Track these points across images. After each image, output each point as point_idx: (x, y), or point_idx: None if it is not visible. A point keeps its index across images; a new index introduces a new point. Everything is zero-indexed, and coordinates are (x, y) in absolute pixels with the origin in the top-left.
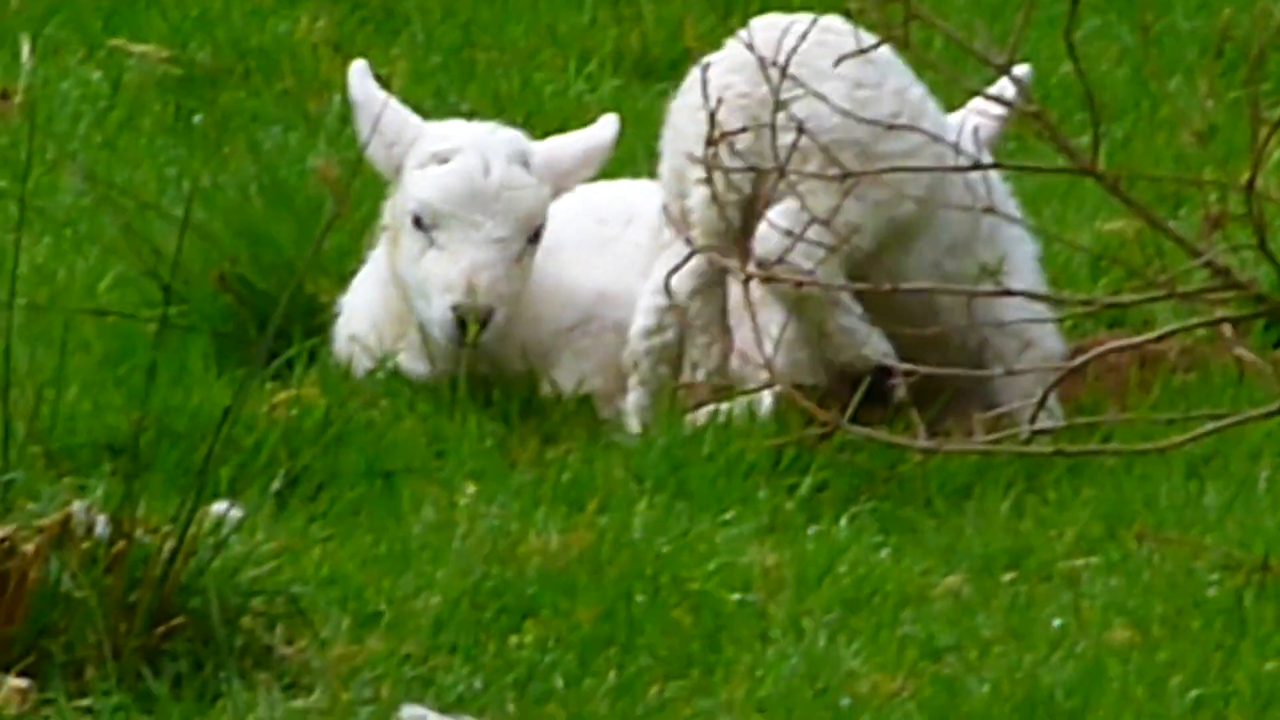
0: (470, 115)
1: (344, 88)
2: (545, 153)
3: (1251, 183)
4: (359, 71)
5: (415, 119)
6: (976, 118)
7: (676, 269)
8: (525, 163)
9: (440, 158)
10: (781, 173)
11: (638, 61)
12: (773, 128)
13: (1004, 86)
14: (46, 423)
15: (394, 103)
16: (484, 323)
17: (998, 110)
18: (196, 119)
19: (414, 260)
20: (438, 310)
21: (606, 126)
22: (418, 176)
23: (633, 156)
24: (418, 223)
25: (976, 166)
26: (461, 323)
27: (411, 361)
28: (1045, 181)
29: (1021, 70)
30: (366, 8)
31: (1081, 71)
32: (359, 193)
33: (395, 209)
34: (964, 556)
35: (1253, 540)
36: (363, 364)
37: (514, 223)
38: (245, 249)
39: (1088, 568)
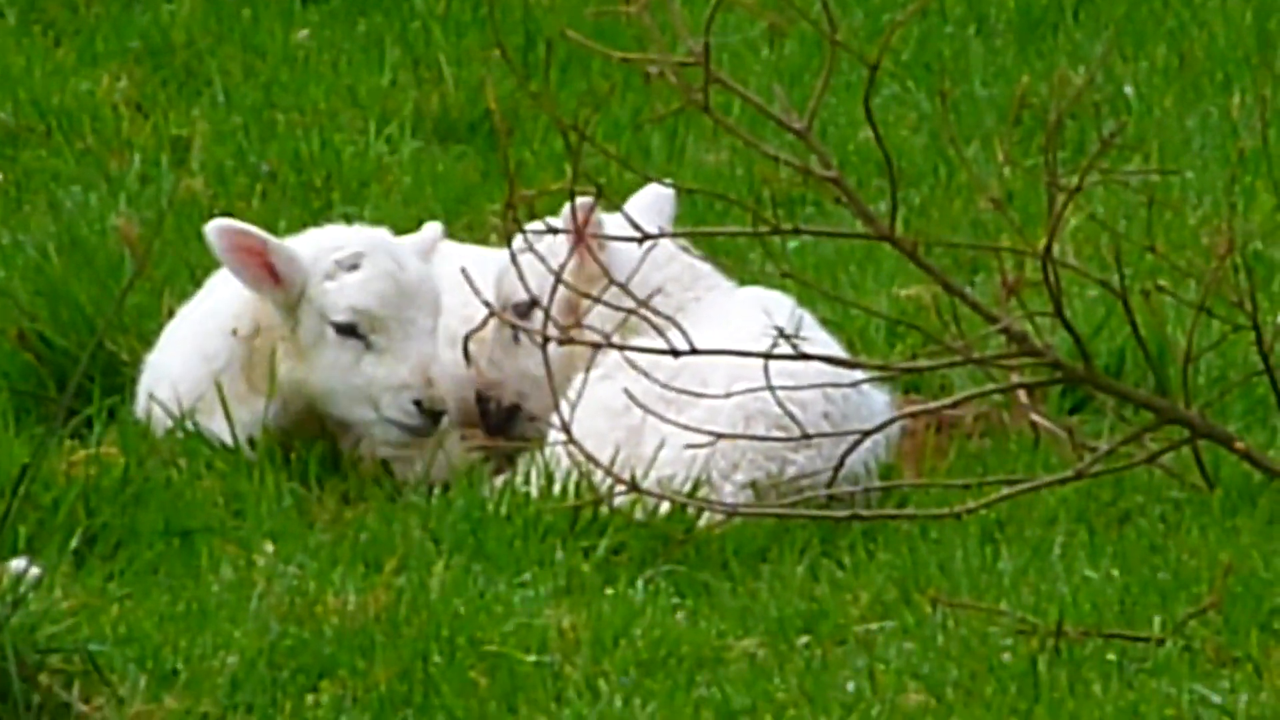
0: (272, 175)
1: (145, 149)
2: (415, 245)
3: (1048, 250)
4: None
5: (282, 243)
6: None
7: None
8: (420, 254)
9: (347, 264)
10: (579, 235)
11: (438, 123)
12: (573, 194)
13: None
14: None
15: (268, 239)
16: (443, 410)
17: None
18: None
19: (348, 369)
20: (394, 410)
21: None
22: (334, 288)
23: (433, 217)
24: (349, 331)
25: (777, 231)
26: (424, 413)
27: (211, 421)
28: (843, 246)
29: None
30: (168, 68)
31: (880, 137)
32: (159, 252)
33: (304, 325)
34: (760, 620)
35: (1047, 606)
36: (162, 423)
37: (434, 312)
38: (45, 307)
39: (883, 632)
